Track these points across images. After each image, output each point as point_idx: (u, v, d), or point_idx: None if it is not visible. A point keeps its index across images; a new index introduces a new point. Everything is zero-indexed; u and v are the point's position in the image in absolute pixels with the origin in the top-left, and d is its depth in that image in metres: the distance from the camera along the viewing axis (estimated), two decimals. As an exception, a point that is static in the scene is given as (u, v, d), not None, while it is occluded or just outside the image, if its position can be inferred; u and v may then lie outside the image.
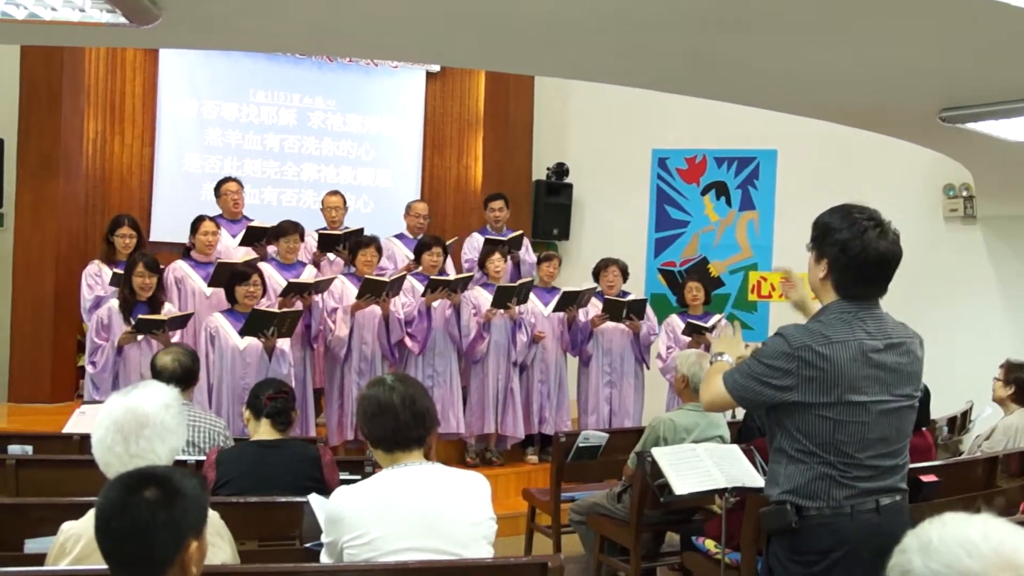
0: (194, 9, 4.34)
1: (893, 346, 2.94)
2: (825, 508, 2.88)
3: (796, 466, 2.92)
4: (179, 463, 4.16)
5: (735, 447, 4.77)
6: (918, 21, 4.38)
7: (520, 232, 8.68)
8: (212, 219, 7.47)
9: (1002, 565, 1.40)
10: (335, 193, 8.34)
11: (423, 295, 7.42)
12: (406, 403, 2.89)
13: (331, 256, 8.03)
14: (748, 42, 4.92)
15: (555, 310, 8.00)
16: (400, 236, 8.52)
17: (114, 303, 6.54)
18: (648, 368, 8.30)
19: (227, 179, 8.08)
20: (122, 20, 4.00)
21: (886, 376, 2.91)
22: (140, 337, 6.42)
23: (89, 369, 6.60)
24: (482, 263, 7.97)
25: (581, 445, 6.02)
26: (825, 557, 2.86)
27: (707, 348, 7.74)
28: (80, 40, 6.37)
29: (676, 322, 8.23)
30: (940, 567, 1.44)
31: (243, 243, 7.62)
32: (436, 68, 10.65)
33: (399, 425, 2.88)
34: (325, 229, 8.13)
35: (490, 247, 8.07)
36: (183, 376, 4.55)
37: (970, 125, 5.92)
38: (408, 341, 7.43)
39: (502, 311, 7.60)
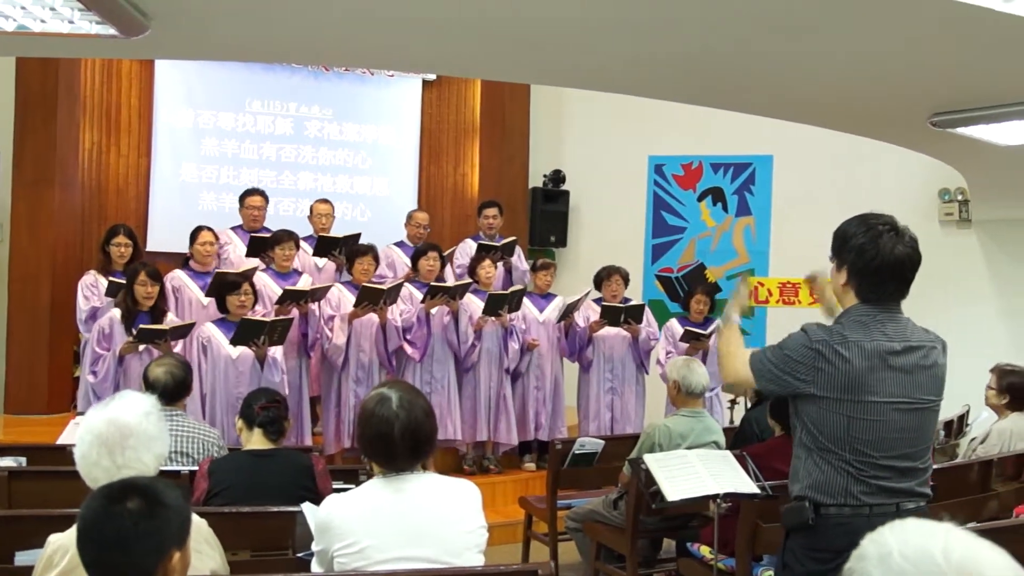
0: (183, 20, 4.34)
1: (912, 349, 3.00)
2: (844, 507, 2.95)
3: (815, 461, 3.01)
4: (173, 473, 4.19)
5: (728, 453, 4.76)
6: (905, 26, 4.38)
7: (513, 238, 8.68)
8: (211, 229, 7.45)
9: None
10: (324, 201, 8.38)
11: (422, 301, 7.41)
12: (406, 436, 2.84)
13: (319, 263, 8.04)
14: (740, 48, 4.93)
15: (559, 321, 8.03)
16: (400, 244, 8.53)
17: (116, 313, 6.49)
18: (648, 373, 8.29)
19: (252, 191, 8.06)
20: (111, 31, 4.02)
21: (904, 378, 2.97)
22: (141, 347, 6.40)
23: (90, 379, 6.54)
24: (472, 269, 7.94)
25: (577, 452, 6.01)
26: (840, 556, 2.85)
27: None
28: (70, 52, 6.38)
29: (675, 327, 8.21)
30: None
31: (249, 254, 7.64)
32: (432, 76, 10.67)
33: (394, 455, 2.87)
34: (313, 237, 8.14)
35: (481, 253, 8.08)
36: (175, 389, 4.56)
37: (960, 130, 5.93)
38: (408, 348, 7.41)
39: (493, 318, 7.59)
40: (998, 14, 4.05)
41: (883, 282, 3.00)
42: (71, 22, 3.88)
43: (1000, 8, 4.00)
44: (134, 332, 6.33)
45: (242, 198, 8.04)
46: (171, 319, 6.59)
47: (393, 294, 7.23)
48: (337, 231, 8.21)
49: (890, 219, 3.03)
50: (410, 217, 8.61)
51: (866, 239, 2.98)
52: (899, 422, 2.96)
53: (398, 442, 2.84)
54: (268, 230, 7.90)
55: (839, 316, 3.09)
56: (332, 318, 7.20)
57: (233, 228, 7.91)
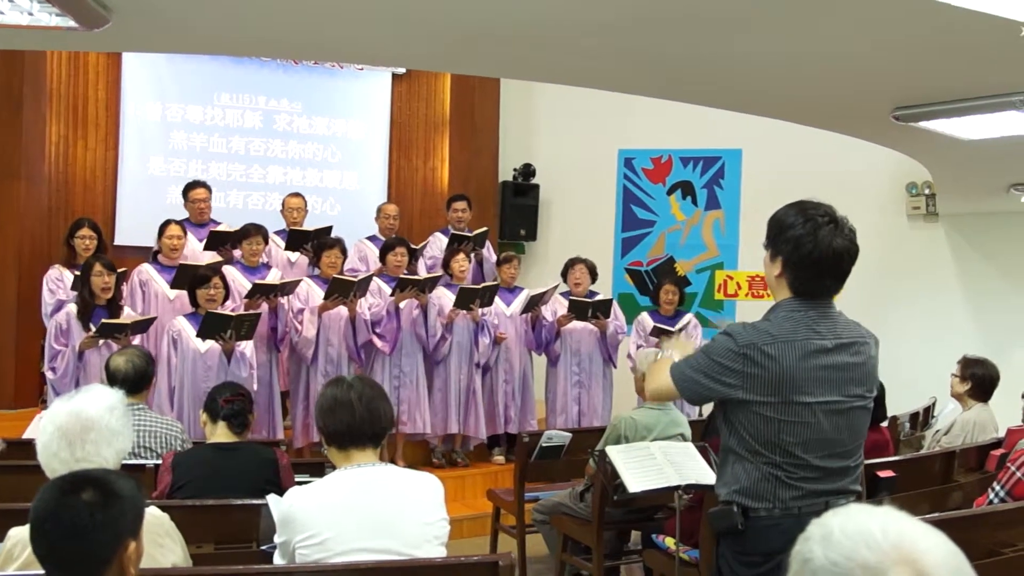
0: (145, 12, 4.31)
1: (843, 346, 2.89)
2: (774, 509, 2.84)
3: (743, 465, 2.89)
4: (137, 468, 4.17)
5: (690, 445, 4.79)
6: (866, 21, 4.42)
7: (485, 229, 8.71)
8: (178, 223, 7.42)
9: (899, 559, 1.40)
10: (296, 195, 8.37)
11: (391, 295, 7.41)
12: (363, 400, 2.91)
13: (292, 257, 8.02)
14: (707, 44, 4.95)
15: (523, 312, 8.04)
16: (372, 238, 8.54)
17: (72, 308, 6.46)
18: (616, 368, 8.33)
19: (195, 184, 8.00)
20: (71, 23, 3.99)
21: (836, 376, 2.86)
22: (101, 342, 6.36)
23: (49, 375, 6.50)
24: (446, 263, 7.95)
25: (545, 445, 6.03)
26: (771, 559, 2.77)
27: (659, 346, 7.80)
28: (32, 44, 6.30)
29: (646, 321, 8.28)
30: (839, 558, 1.44)
31: (207, 248, 7.59)
32: (401, 70, 10.65)
33: (354, 420, 2.90)
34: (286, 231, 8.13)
35: (454, 247, 8.11)
36: (136, 378, 4.53)
37: (923, 124, 5.95)
38: (377, 341, 7.41)
39: (465, 312, 7.60)
40: (956, 9, 4.09)
41: (820, 276, 2.87)
42: (30, 14, 3.85)
43: (957, 3, 4.04)
44: (92, 327, 6.29)
45: (186, 192, 7.96)
46: (128, 313, 6.56)
47: (363, 286, 7.24)
48: (308, 225, 8.21)
49: (829, 209, 2.89)
50: (379, 210, 8.64)
51: (804, 230, 2.84)
52: (831, 422, 2.85)
53: (356, 405, 2.89)
54: (215, 221, 7.91)
55: (767, 312, 2.96)
56: (301, 311, 7.20)
57: (179, 221, 7.60)
